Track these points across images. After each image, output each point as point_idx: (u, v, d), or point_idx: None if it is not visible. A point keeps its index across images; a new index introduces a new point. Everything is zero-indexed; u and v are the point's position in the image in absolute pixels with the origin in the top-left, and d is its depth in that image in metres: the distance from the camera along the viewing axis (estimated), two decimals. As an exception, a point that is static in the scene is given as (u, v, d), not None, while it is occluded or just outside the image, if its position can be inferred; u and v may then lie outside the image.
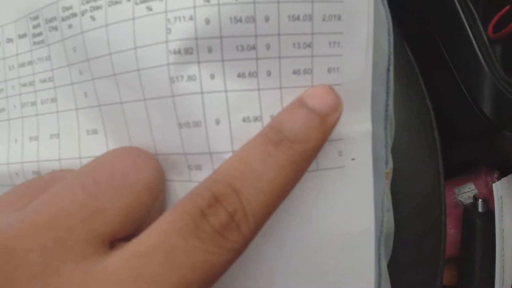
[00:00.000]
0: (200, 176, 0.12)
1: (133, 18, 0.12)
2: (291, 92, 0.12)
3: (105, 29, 0.12)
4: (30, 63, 0.15)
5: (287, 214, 0.12)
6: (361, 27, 0.12)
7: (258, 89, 0.12)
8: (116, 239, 0.11)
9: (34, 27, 0.15)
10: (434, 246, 0.24)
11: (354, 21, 0.12)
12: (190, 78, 0.11)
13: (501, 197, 0.31)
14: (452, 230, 0.34)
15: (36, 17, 0.14)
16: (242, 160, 0.10)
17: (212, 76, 0.12)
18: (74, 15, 0.13)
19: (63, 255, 0.09)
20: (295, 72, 0.12)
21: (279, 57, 0.12)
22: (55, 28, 0.14)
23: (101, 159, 0.12)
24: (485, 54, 0.27)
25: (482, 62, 0.27)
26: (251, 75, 0.12)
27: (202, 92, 0.12)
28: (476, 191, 0.33)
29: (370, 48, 0.12)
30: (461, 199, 0.34)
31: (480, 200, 0.32)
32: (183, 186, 0.13)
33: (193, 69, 0.11)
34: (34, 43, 0.15)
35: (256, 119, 0.12)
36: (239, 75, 0.12)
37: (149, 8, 0.12)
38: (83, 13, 0.13)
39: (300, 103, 0.11)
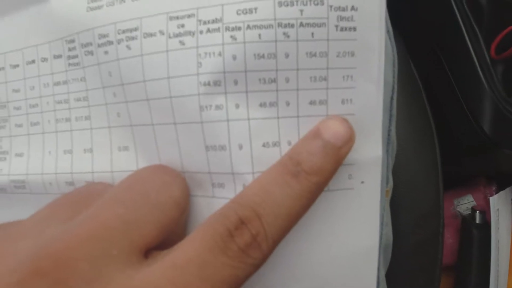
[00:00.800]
0: (222, 193, 0.14)
1: (167, 51, 0.13)
2: (307, 120, 0.13)
3: (140, 59, 0.14)
4: (65, 82, 0.16)
5: (300, 230, 0.14)
6: (373, 62, 0.13)
7: (278, 118, 0.13)
8: (149, 249, 0.12)
9: (70, 49, 0.16)
10: (432, 256, 0.25)
11: (366, 57, 0.13)
12: (218, 107, 0.13)
13: (498, 209, 0.32)
14: (450, 240, 0.36)
15: (72, 41, 0.16)
16: (264, 188, 0.12)
17: (237, 106, 0.13)
18: (110, 42, 0.14)
19: (109, 264, 0.10)
20: (312, 102, 0.13)
21: (297, 89, 0.13)
22: (91, 53, 0.15)
23: (135, 177, 0.13)
24: (487, 74, 0.28)
25: (483, 81, 0.28)
26: (271, 104, 0.13)
27: (228, 120, 0.13)
28: (474, 202, 0.35)
29: (381, 80, 0.14)
30: (460, 210, 0.35)
31: (478, 211, 0.33)
32: (206, 201, 0.14)
33: (220, 99, 0.13)
34: (69, 64, 0.16)
35: (274, 144, 0.13)
36: (261, 105, 0.13)
37: (182, 43, 0.13)
38: (119, 41, 0.14)
39: (316, 134, 0.12)
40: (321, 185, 0.12)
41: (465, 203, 0.35)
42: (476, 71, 0.28)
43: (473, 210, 0.34)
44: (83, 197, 0.13)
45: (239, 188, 0.13)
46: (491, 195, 0.34)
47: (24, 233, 0.12)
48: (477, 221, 0.33)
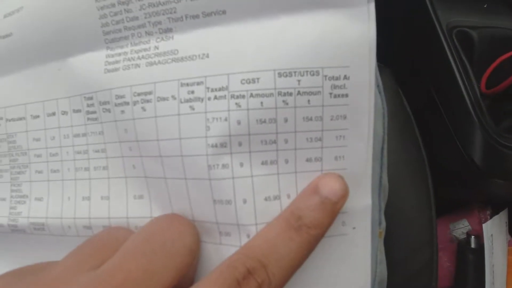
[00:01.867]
0: (229, 241, 0.15)
1: (179, 114, 0.15)
2: (304, 175, 0.15)
3: (154, 120, 0.15)
4: (84, 135, 0.18)
5: (300, 274, 0.15)
6: (363, 123, 0.15)
7: (278, 174, 0.15)
8: None
9: (89, 105, 0.18)
10: (426, 284, 0.26)
11: (357, 119, 0.15)
12: (224, 166, 0.14)
13: (492, 235, 0.33)
14: (447, 263, 0.37)
15: (91, 98, 0.17)
16: (269, 242, 0.13)
17: (241, 164, 0.14)
18: (127, 103, 0.16)
19: None
20: (308, 160, 0.15)
21: (295, 149, 0.15)
22: (108, 110, 0.17)
23: (153, 226, 0.14)
24: (477, 108, 0.30)
25: (473, 115, 0.29)
26: (272, 163, 0.15)
27: (233, 178, 0.14)
28: (470, 227, 0.36)
29: (371, 138, 0.15)
30: (455, 234, 0.36)
31: (473, 236, 0.34)
32: (214, 248, 0.15)
33: (226, 159, 0.14)
34: (88, 118, 0.18)
35: (275, 198, 0.15)
36: (262, 163, 0.14)
37: (192, 108, 0.15)
38: (134, 103, 0.16)
39: (315, 190, 0.14)
40: (320, 237, 0.14)
41: (461, 228, 0.36)
42: (465, 105, 0.30)
43: (468, 235, 0.35)
44: (105, 243, 0.15)
45: (244, 237, 0.15)
46: (486, 220, 0.35)
47: (55, 280, 0.13)
48: (472, 245, 0.34)
